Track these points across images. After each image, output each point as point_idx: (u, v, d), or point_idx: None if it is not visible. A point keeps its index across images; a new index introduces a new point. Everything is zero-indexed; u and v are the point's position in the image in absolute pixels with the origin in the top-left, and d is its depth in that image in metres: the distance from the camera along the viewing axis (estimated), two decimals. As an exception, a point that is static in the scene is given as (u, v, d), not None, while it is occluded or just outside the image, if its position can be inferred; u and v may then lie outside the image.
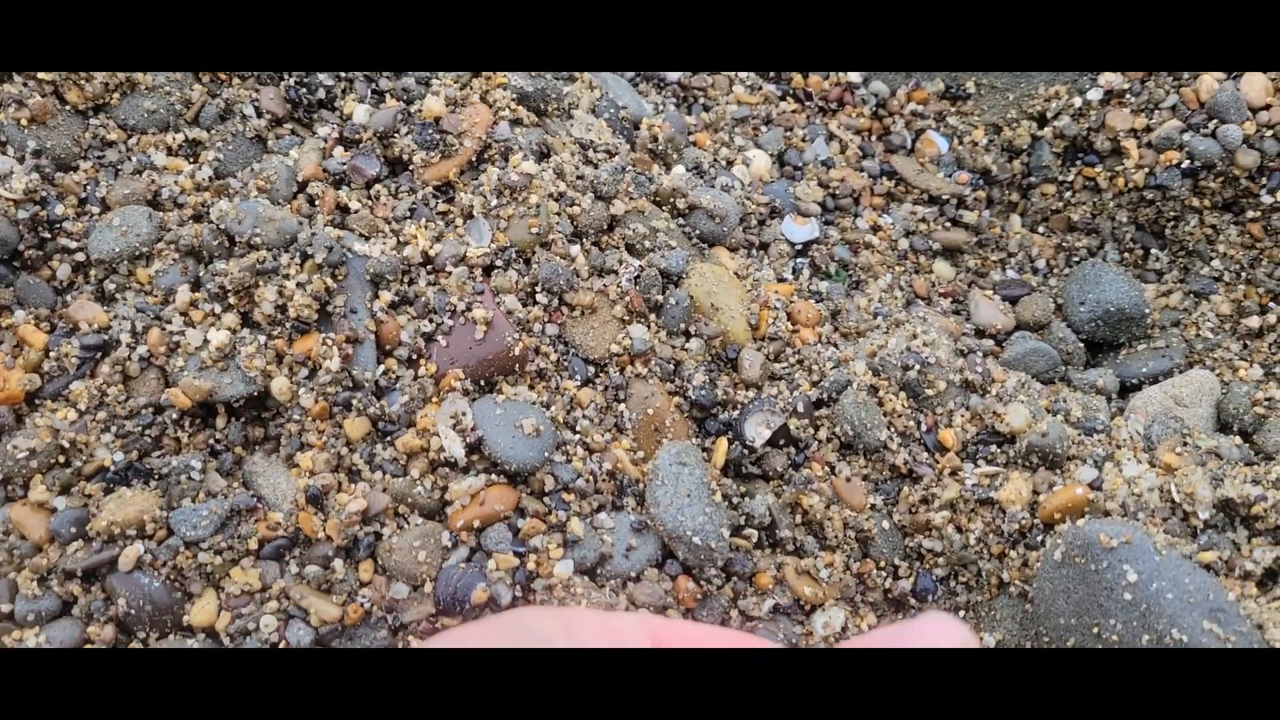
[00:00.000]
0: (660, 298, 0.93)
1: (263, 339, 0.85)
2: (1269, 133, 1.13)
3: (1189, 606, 0.77)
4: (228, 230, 0.87)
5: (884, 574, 0.91)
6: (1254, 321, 1.14)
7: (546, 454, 0.84)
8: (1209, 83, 1.15)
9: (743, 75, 1.17)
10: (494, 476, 0.84)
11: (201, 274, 0.88)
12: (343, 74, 0.98)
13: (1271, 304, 1.14)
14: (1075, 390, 1.08)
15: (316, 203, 0.92)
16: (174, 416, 0.84)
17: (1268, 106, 1.14)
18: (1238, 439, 1.01)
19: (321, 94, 0.97)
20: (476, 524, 0.82)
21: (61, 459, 0.81)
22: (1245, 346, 1.13)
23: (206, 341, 0.84)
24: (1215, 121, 1.14)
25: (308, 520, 0.81)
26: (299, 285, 0.85)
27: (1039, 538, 0.87)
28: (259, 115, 0.96)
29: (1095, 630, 0.80)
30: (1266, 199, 1.14)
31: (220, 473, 0.84)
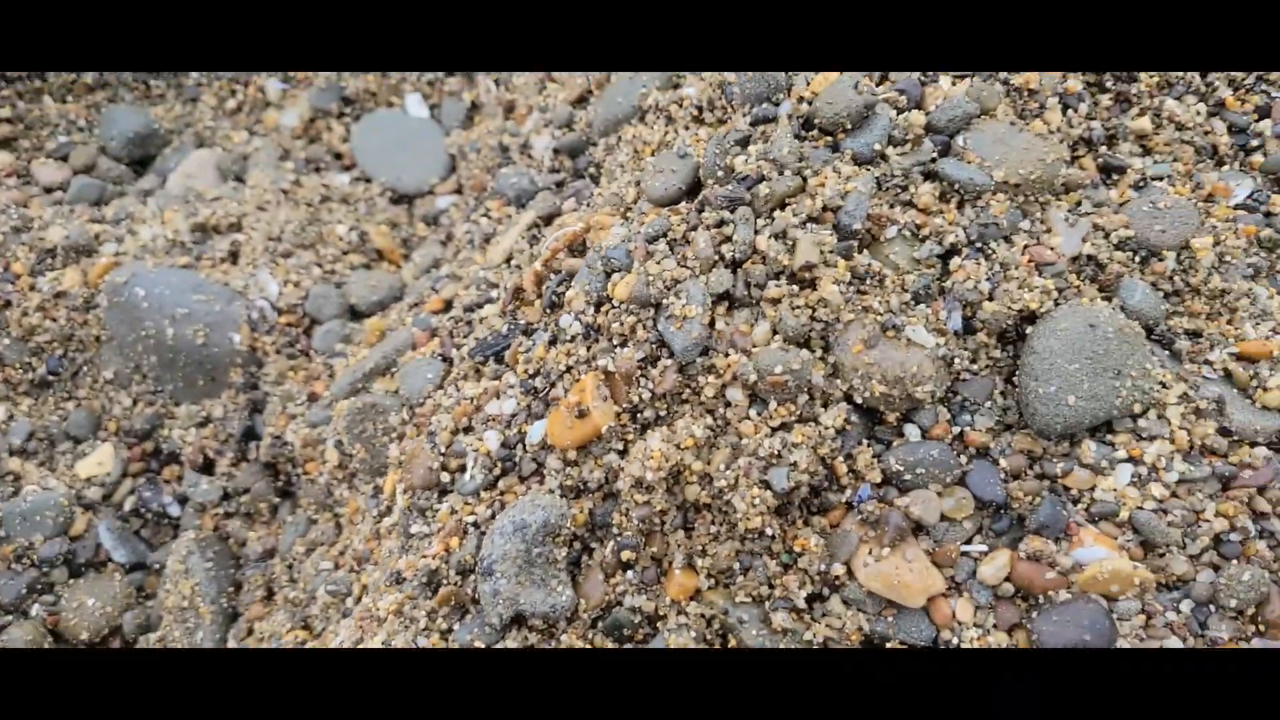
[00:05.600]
0: None
1: None
2: None
3: (180, 291, 1.29)
4: None
5: (22, 370, 1.34)
6: (230, 103, 1.66)
7: None
8: None
9: None
10: None
11: None
12: None
13: (237, 87, 1.67)
14: (129, 199, 1.55)
15: None
16: None
17: None
18: (234, 183, 1.55)
19: None
20: None
21: None
22: (233, 122, 1.66)
23: None
24: None
25: None
26: None
27: (97, 299, 1.34)
28: None
29: (143, 333, 1.29)
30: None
31: None
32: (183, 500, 1.30)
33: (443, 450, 0.92)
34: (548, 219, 1.19)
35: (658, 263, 0.88)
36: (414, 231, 1.44)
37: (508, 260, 1.16)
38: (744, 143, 0.96)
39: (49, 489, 1.27)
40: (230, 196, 1.50)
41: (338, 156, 1.58)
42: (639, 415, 0.87)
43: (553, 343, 0.91)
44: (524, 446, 0.89)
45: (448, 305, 1.19)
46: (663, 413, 0.87)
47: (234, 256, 1.38)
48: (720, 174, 0.94)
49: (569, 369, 0.89)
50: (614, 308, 0.89)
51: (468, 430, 0.92)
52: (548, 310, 0.97)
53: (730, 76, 1.03)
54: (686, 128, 1.07)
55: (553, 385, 0.89)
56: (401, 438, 1.04)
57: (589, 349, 0.89)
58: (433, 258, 1.35)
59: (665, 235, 0.91)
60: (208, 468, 1.32)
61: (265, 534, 1.26)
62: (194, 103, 1.68)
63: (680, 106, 1.10)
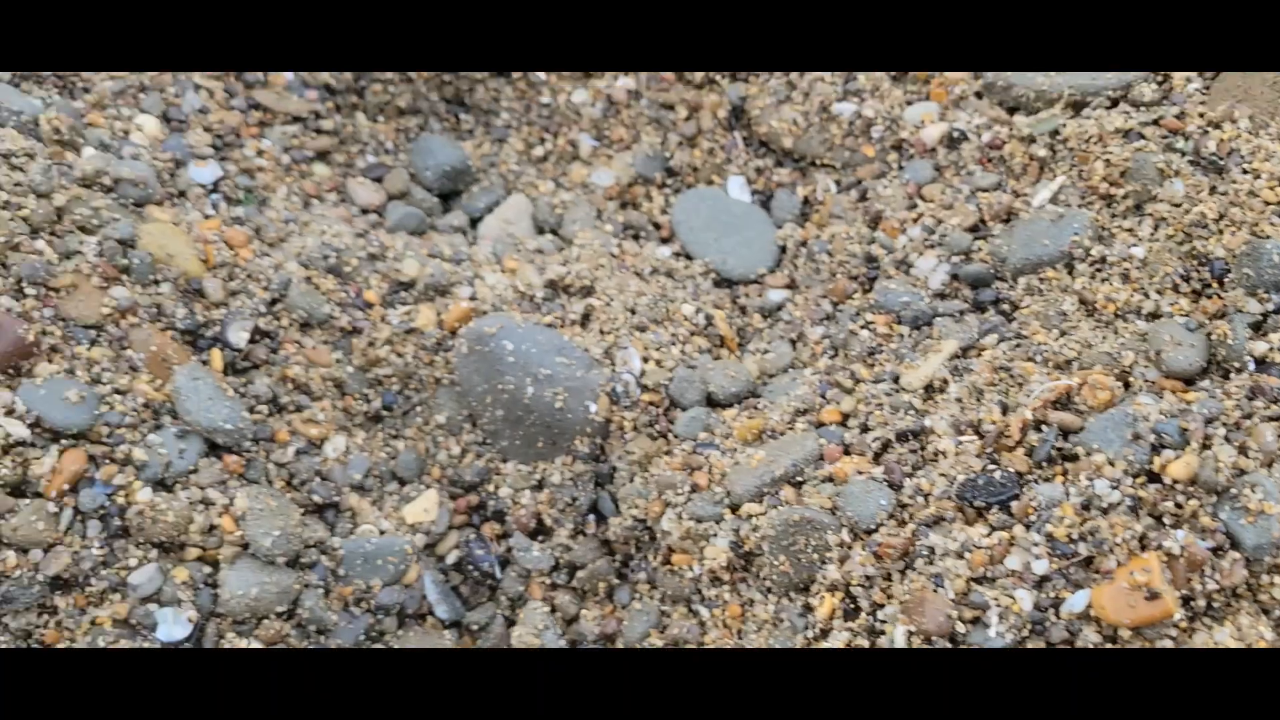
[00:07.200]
0: (125, 261, 1.18)
1: None
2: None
3: (546, 351, 1.26)
4: None
5: (361, 401, 1.29)
6: (538, 150, 1.64)
7: (94, 410, 1.09)
8: None
9: (106, 53, 1.38)
10: (62, 443, 1.08)
11: None
12: None
13: (547, 135, 1.65)
14: (441, 234, 1.51)
15: None
16: None
17: None
18: (550, 236, 1.52)
19: None
20: (67, 486, 1.06)
21: None
22: (539, 170, 1.64)
23: None
24: (474, 15, 1.58)
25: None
26: None
27: (450, 343, 1.30)
28: None
29: (499, 387, 1.25)
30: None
31: None
32: (504, 562, 1.26)
33: (954, 597, 0.90)
34: (964, 351, 1.18)
35: (1216, 447, 0.88)
36: (749, 322, 1.42)
37: (927, 388, 1.15)
38: (1256, 327, 0.97)
39: (384, 531, 1.22)
40: (550, 250, 1.48)
41: (655, 227, 1.56)
42: (1189, 604, 0.86)
43: (1086, 507, 0.90)
44: (1056, 612, 0.87)
45: (844, 418, 1.17)
46: (1216, 605, 0.86)
47: (584, 320, 1.35)
48: (1246, 358, 0.94)
49: (1122, 541, 0.87)
50: (1164, 485, 0.88)
51: (988, 581, 0.90)
52: (1042, 464, 0.96)
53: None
54: (1161, 293, 1.07)
55: (1103, 555, 0.87)
56: (843, 560, 1.01)
57: (1139, 524, 0.88)
58: (787, 357, 1.33)
59: (1219, 418, 0.90)
60: (534, 532, 1.28)
61: (601, 614, 1.22)
62: (501, 143, 1.65)
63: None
